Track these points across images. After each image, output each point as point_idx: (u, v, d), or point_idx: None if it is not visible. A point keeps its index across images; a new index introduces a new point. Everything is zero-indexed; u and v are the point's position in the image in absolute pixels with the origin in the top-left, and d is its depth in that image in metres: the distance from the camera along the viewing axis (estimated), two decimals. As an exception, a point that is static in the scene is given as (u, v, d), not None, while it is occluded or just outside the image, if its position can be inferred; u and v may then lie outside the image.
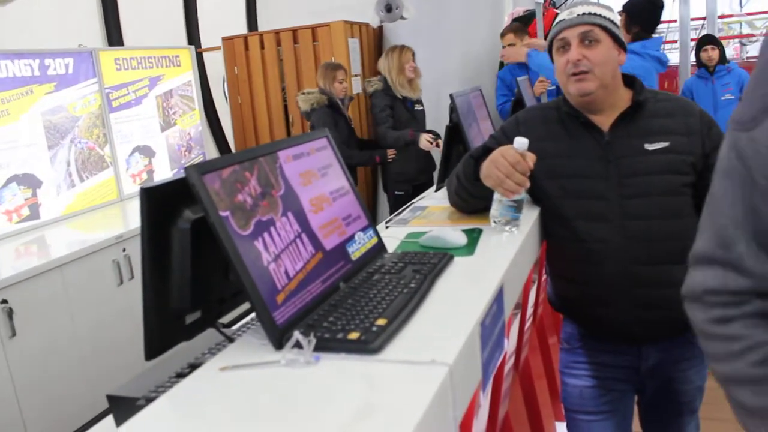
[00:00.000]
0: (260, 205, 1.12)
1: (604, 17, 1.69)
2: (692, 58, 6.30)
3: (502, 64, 5.22)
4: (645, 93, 1.72)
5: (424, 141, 4.37)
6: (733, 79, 5.74)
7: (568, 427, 1.94)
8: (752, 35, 8.84)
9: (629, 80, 1.76)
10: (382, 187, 4.70)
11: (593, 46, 1.67)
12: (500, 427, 1.84)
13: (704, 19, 7.24)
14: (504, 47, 4.60)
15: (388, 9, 4.89)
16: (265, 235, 1.09)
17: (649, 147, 1.66)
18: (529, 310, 2.11)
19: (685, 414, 1.89)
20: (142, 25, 5.66)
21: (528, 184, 1.55)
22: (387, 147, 4.57)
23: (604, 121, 1.71)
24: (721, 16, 8.19)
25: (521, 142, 1.54)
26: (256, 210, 1.10)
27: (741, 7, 10.85)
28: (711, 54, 5.67)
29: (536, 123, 1.79)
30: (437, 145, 4.31)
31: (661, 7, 3.53)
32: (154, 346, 1.13)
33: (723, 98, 5.62)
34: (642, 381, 1.83)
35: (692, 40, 7.43)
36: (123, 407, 1.11)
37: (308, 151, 1.34)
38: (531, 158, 1.54)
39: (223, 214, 1.03)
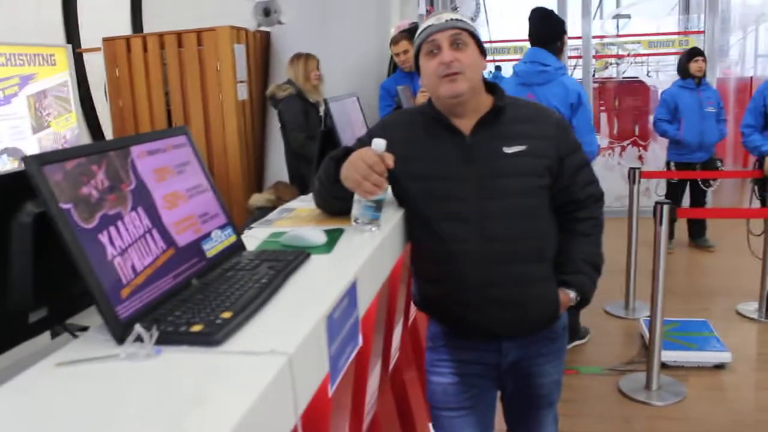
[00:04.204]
0: (107, 198, 1.10)
1: (470, 23, 1.77)
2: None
3: (390, 72, 5.32)
4: (505, 99, 1.80)
5: None
6: (713, 94, 5.94)
7: (433, 424, 2.00)
8: (622, 56, 9.40)
9: (491, 87, 1.84)
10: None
11: (463, 49, 1.73)
12: (369, 425, 1.87)
13: (580, 38, 7.63)
14: (398, 54, 4.72)
15: (266, 13, 4.89)
16: (111, 228, 1.07)
17: (508, 150, 1.74)
18: (399, 314, 2.15)
19: (543, 407, 1.98)
20: (17, 20, 5.39)
21: (386, 185, 1.59)
22: (307, 156, 4.51)
23: (466, 125, 1.77)
24: (595, 37, 8.66)
25: (379, 144, 1.58)
26: (102, 203, 1.08)
27: (617, 29, 11.53)
28: (701, 65, 5.79)
29: (401, 126, 1.84)
30: None
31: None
32: (-8, 344, 1.09)
33: (707, 110, 5.78)
34: (502, 376, 1.91)
35: (570, 57, 7.83)
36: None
37: (165, 147, 1.32)
38: (389, 159, 1.58)
39: (64, 206, 1.00)
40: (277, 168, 5.60)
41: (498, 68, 15.11)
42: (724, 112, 5.96)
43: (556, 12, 3.97)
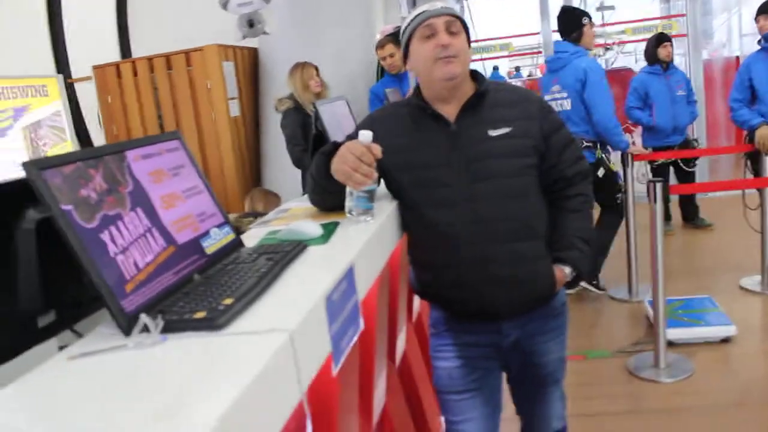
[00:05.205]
0: (106, 200, 1.14)
1: (459, 14, 1.84)
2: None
3: (378, 77, 5.37)
4: (487, 84, 1.85)
5: None
6: (682, 77, 5.98)
7: (441, 408, 2.03)
8: (606, 45, 9.47)
9: (472, 74, 1.89)
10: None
11: (456, 35, 1.79)
12: (379, 418, 1.90)
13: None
14: (384, 58, 4.80)
15: (251, 24, 4.95)
16: (112, 228, 1.12)
17: (493, 133, 1.79)
18: (402, 303, 2.19)
19: (549, 384, 2.01)
20: (5, 53, 5.46)
21: (375, 175, 1.63)
22: (305, 169, 4.53)
23: (451, 112, 1.82)
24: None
25: (365, 135, 1.62)
26: (101, 205, 1.12)
27: (603, 19, 11.63)
28: (669, 50, 5.82)
29: (388, 119, 1.88)
30: None
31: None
32: (2, 349, 1.13)
33: (677, 94, 5.81)
34: (505, 356, 1.94)
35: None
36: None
37: (158, 151, 1.37)
38: (376, 149, 1.62)
39: (65, 207, 1.04)
40: (275, 181, 5.65)
41: (495, 68, 15.53)
42: (693, 93, 6.01)
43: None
